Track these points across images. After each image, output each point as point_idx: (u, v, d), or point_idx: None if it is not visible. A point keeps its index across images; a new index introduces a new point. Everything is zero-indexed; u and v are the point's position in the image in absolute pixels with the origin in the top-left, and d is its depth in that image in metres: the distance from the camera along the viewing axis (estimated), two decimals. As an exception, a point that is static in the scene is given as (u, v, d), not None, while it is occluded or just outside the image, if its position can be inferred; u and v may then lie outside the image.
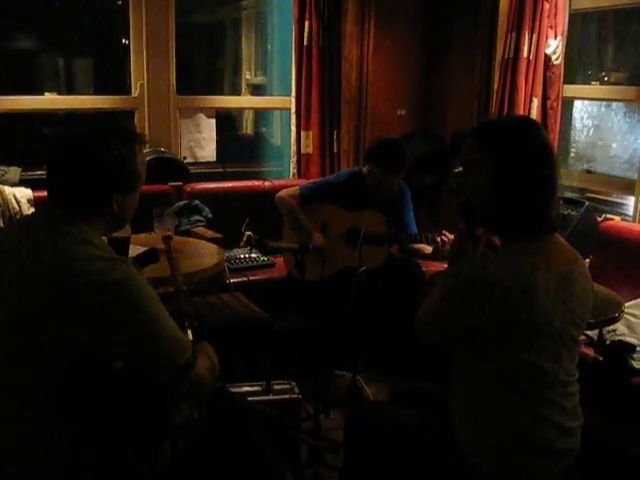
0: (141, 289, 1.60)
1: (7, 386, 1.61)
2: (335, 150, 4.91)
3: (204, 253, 3.14)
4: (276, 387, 2.85)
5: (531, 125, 1.82)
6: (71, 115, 4.78)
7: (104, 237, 1.81)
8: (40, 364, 1.56)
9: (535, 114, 4.17)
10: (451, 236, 3.30)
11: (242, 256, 4.07)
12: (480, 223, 1.90)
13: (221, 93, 5.88)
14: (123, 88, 4.67)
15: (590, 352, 2.98)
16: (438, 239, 3.36)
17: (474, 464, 1.78)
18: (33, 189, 3.94)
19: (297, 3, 4.66)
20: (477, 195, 1.79)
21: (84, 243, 1.60)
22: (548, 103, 4.16)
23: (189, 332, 1.95)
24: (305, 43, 4.71)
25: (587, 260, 3.35)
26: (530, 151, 1.72)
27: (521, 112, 4.20)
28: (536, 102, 4.18)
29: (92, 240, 1.62)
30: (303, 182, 4.08)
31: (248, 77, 6.36)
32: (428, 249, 3.57)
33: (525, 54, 4.17)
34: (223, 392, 1.89)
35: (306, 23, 4.67)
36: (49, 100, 4.47)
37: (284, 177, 5.04)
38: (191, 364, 1.67)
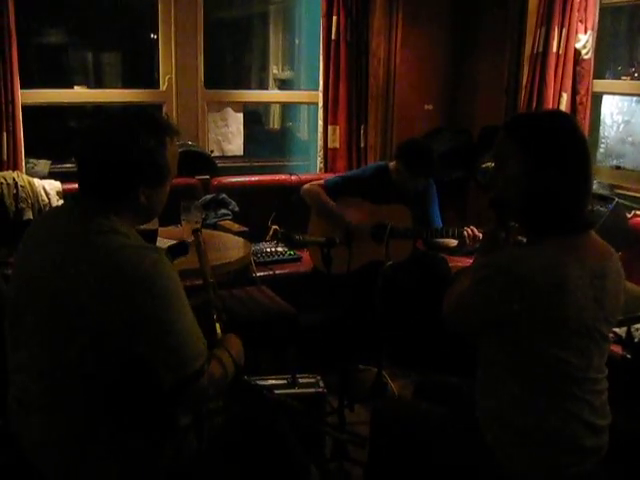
0: (169, 285, 1.59)
1: (40, 375, 1.63)
2: (362, 145, 4.91)
3: (230, 246, 3.16)
4: (301, 381, 2.85)
5: (567, 120, 1.80)
6: (99, 109, 4.83)
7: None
8: (71, 350, 1.57)
9: (564, 109, 4.10)
10: (477, 232, 3.28)
11: (268, 250, 4.09)
12: (512, 217, 1.88)
13: (248, 87, 5.91)
14: (151, 82, 4.71)
15: (618, 350, 2.94)
16: (465, 233, 3.35)
17: (500, 460, 1.78)
18: (62, 181, 4.00)
19: (325, -3, 4.67)
20: (510, 189, 1.77)
21: (113, 233, 1.61)
22: (577, 98, 4.12)
23: (217, 325, 1.96)
24: (333, 38, 4.71)
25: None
26: (565, 147, 1.70)
27: (550, 107, 4.15)
28: (565, 97, 4.13)
29: (121, 229, 1.63)
30: (329, 176, 4.08)
31: (275, 72, 6.38)
32: (453, 243, 3.56)
33: (554, 49, 4.13)
34: (248, 384, 1.87)
35: (334, 18, 4.67)
36: (78, 94, 4.53)
37: (311, 171, 5.05)
38: (200, 373, 1.63)
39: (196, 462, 1.79)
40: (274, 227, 4.10)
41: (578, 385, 1.73)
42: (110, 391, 1.63)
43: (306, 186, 3.80)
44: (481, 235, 3.20)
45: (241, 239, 3.30)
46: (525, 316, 1.67)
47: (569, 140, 1.72)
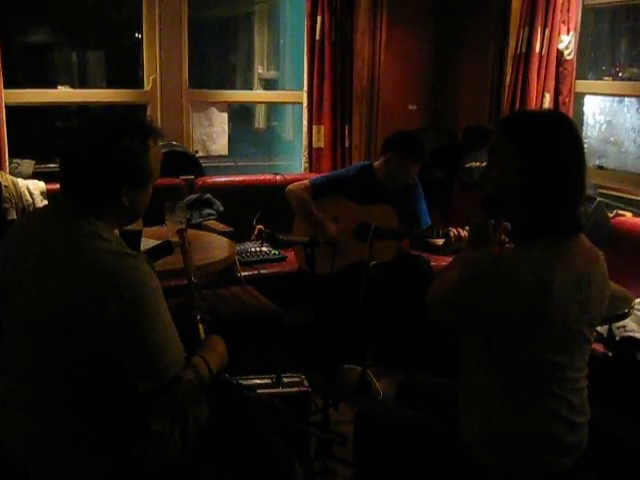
0: (148, 292, 1.59)
1: (18, 374, 1.64)
2: (347, 145, 4.93)
3: (215, 246, 3.17)
4: (286, 380, 2.85)
5: (565, 121, 1.78)
6: (84, 108, 4.82)
7: (116, 230, 1.81)
8: (51, 351, 1.58)
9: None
10: (462, 232, 3.29)
11: (253, 249, 4.10)
12: (504, 216, 1.88)
13: (234, 87, 5.91)
14: (136, 82, 4.71)
15: (600, 348, 2.98)
16: (450, 234, 3.35)
17: (479, 458, 1.79)
18: (46, 182, 3.98)
19: (310, -3, 4.68)
20: (503, 188, 1.76)
21: (94, 237, 1.61)
22: (560, 98, 4.17)
23: (200, 326, 1.97)
24: (317, 38, 4.72)
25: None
26: (563, 147, 1.69)
27: (533, 107, 4.20)
28: (548, 97, 4.18)
29: (102, 234, 1.63)
30: (314, 176, 4.09)
31: (260, 71, 6.39)
32: (439, 242, 3.58)
33: (537, 49, 4.18)
34: (229, 382, 1.87)
35: (318, 18, 4.68)
36: (62, 93, 4.52)
37: (295, 171, 5.06)
38: (175, 382, 1.62)
39: (181, 462, 1.79)
40: (259, 227, 4.08)
41: (558, 384, 1.74)
42: (91, 393, 1.63)
43: (290, 187, 3.79)
44: (466, 234, 3.21)
45: (225, 239, 3.31)
46: (508, 316, 1.68)
47: (567, 141, 1.71)
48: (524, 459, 1.76)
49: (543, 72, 4.19)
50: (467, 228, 3.25)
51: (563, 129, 1.73)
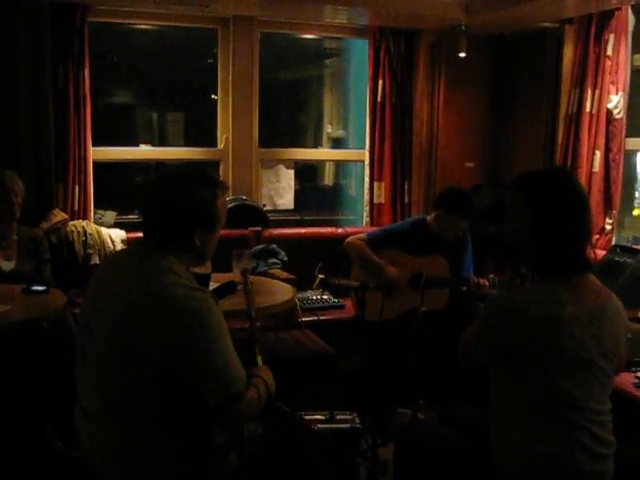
0: (213, 320, 1.86)
1: (101, 389, 1.89)
2: (406, 200, 5.19)
3: (277, 291, 3.40)
4: (339, 417, 3.04)
5: (565, 175, 2.06)
6: (161, 165, 5.21)
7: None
8: (129, 371, 1.84)
9: (597, 166, 4.33)
10: (482, 280, 3.48)
11: (314, 297, 4.34)
12: (522, 263, 2.11)
13: (304, 145, 6.24)
14: (211, 141, 5.05)
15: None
16: (470, 280, 3.54)
17: (504, 476, 1.95)
18: (126, 231, 4.36)
19: (371, 62, 5.02)
20: (519, 238, 2.01)
21: (169, 272, 1.89)
22: (610, 156, 4.30)
23: (259, 357, 2.21)
24: (379, 100, 5.04)
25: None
26: (564, 199, 1.94)
27: (584, 164, 4.39)
28: (599, 155, 4.33)
29: (176, 270, 1.91)
30: (373, 229, 4.31)
31: (329, 130, 6.69)
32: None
33: (588, 109, 4.36)
34: (280, 410, 2.10)
35: (380, 81, 5.02)
36: (143, 152, 4.95)
37: (357, 225, 5.32)
38: (240, 396, 1.87)
39: (235, 478, 2.01)
40: (320, 276, 4.34)
41: (579, 413, 1.90)
42: (161, 408, 1.87)
43: (349, 239, 4.01)
44: (486, 282, 3.44)
45: (287, 285, 3.54)
46: (525, 347, 1.88)
47: (569, 193, 1.96)
48: None
49: (593, 131, 4.35)
50: (490, 276, 3.46)
51: (567, 184, 1.98)
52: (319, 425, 2.93)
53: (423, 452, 2.21)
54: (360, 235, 4.01)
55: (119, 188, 5.68)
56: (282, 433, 2.20)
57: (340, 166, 6.32)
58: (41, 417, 3.17)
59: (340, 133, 6.69)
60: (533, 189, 1.98)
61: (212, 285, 3.04)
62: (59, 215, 4.26)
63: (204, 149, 5.03)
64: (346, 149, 5.85)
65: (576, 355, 1.88)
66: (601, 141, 4.34)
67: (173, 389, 1.87)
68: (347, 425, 2.99)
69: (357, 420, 3.02)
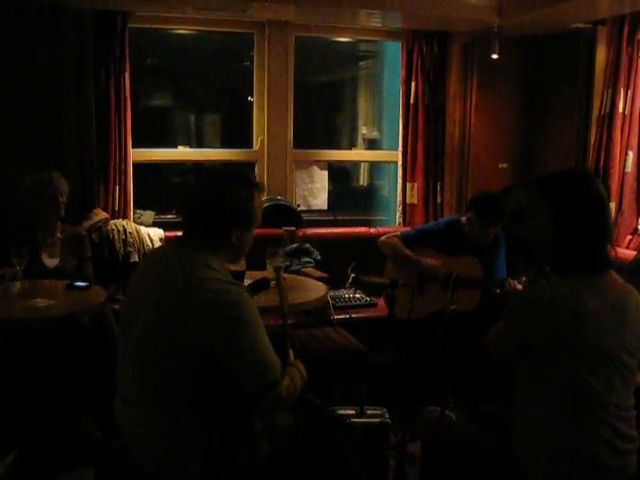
0: (249, 312, 1.96)
1: (140, 377, 1.99)
2: (438, 201, 5.24)
3: (310, 288, 3.48)
4: (369, 412, 3.11)
5: (585, 177, 2.10)
6: (199, 166, 5.34)
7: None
8: (168, 361, 1.93)
9: (630, 167, 4.35)
10: (517, 284, 3.50)
11: (347, 296, 4.43)
12: (544, 262, 2.16)
13: (339, 146, 6.33)
14: (247, 142, 5.16)
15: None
16: (506, 284, 3.54)
17: (532, 474, 2.00)
18: (164, 229, 4.49)
19: (404, 65, 5.09)
20: (540, 238, 2.06)
21: (207, 267, 1.99)
22: (643, 156, 4.32)
23: (291, 352, 2.29)
24: (412, 102, 5.11)
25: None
26: (583, 200, 2.00)
27: (617, 165, 4.41)
28: (631, 155, 4.35)
29: (213, 265, 2.01)
30: (406, 229, 4.37)
31: (364, 132, 6.76)
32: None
33: (620, 109, 4.38)
34: (311, 402, 2.18)
35: (412, 84, 5.08)
36: (181, 153, 5.06)
37: (390, 225, 5.39)
38: (277, 383, 1.97)
39: (266, 466, 2.09)
40: (353, 275, 4.41)
41: (601, 408, 1.94)
42: (200, 396, 1.97)
43: (383, 237, 4.08)
44: (519, 286, 3.43)
45: (320, 283, 3.62)
46: (548, 341, 1.93)
47: (587, 193, 2.01)
48: (568, 476, 1.96)
49: (626, 131, 4.37)
50: (523, 279, 3.47)
51: (584, 183, 2.03)
52: (350, 419, 3.01)
53: (448, 449, 2.27)
54: (394, 234, 4.07)
55: (158, 188, 5.84)
56: (313, 424, 2.29)
57: (375, 167, 6.38)
58: (81, 408, 3.30)
59: (375, 134, 6.75)
60: (553, 190, 2.03)
61: (246, 282, 3.14)
62: (100, 214, 4.42)
63: (240, 150, 5.14)
64: (380, 150, 5.92)
65: (599, 349, 1.93)
66: (634, 141, 4.36)
67: (210, 378, 1.96)
68: (377, 420, 3.06)
69: (387, 415, 3.09)
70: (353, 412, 3.09)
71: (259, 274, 3.54)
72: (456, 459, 2.22)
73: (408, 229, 4.33)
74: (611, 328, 1.94)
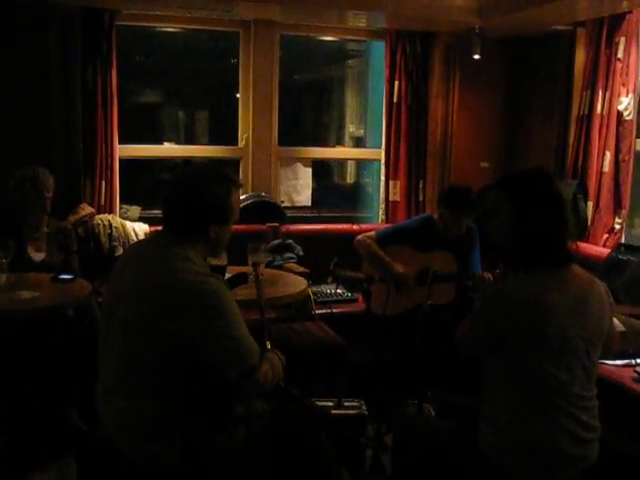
0: (226, 301, 2.03)
1: (119, 365, 2.07)
2: (420, 199, 5.34)
3: (290, 283, 3.55)
4: (347, 404, 3.20)
5: (544, 176, 2.18)
6: (188, 162, 5.40)
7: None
8: (148, 350, 2.00)
9: (608, 166, 4.43)
10: (487, 274, 3.60)
11: (328, 291, 4.51)
12: (507, 258, 2.25)
13: (327, 144, 6.41)
14: (234, 139, 5.21)
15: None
16: (477, 274, 3.69)
17: (495, 464, 2.08)
18: (150, 225, 4.57)
19: (388, 64, 5.17)
20: (503, 235, 2.15)
21: (185, 260, 2.06)
22: (620, 156, 4.39)
23: (268, 343, 2.37)
24: (395, 100, 5.19)
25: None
26: (542, 197, 2.09)
27: (595, 164, 4.51)
28: (609, 155, 4.43)
29: (192, 258, 2.08)
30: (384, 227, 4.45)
31: (352, 130, 6.84)
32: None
33: (599, 110, 4.47)
34: (285, 390, 2.26)
35: (396, 82, 5.16)
36: (167, 149, 5.14)
37: (372, 222, 5.47)
38: (256, 368, 2.05)
39: (242, 451, 2.16)
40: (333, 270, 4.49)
41: (562, 397, 2.03)
42: (180, 383, 2.03)
43: (359, 237, 4.14)
44: (490, 277, 3.53)
45: (300, 277, 3.69)
46: (514, 333, 2.02)
47: (546, 191, 2.10)
48: (530, 465, 2.04)
49: (604, 132, 4.45)
50: (496, 271, 3.57)
51: (544, 182, 2.13)
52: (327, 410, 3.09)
53: (418, 441, 2.35)
54: (369, 233, 4.13)
55: (146, 184, 5.91)
56: (289, 411, 2.35)
57: (361, 165, 6.47)
58: (64, 400, 3.37)
59: (361, 132, 6.83)
60: (513, 188, 2.14)
61: (227, 277, 3.21)
62: (86, 209, 4.49)
63: (225, 147, 5.20)
64: (364, 148, 5.99)
65: (560, 341, 2.01)
66: (611, 142, 4.43)
67: (188, 365, 2.03)
68: (354, 411, 3.14)
69: (364, 407, 3.17)
70: (331, 404, 3.17)
71: (242, 269, 3.63)
72: (425, 451, 2.29)
73: (385, 227, 4.40)
74: (572, 320, 2.02)
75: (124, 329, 2.05)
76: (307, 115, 6.86)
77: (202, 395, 2.08)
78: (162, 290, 2.00)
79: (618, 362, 3.10)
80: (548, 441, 2.03)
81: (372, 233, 4.12)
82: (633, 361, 3.12)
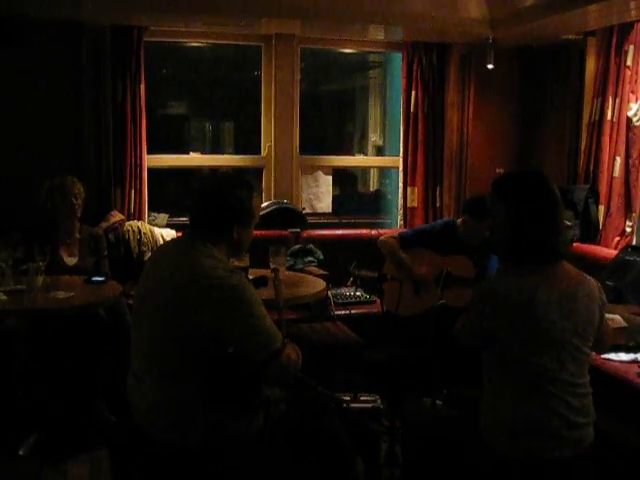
0: (250, 293, 2.20)
1: (149, 351, 2.24)
2: (437, 204, 5.49)
3: (309, 284, 3.73)
4: (363, 398, 3.34)
5: (536, 176, 2.31)
6: (213, 171, 5.58)
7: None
8: (176, 341, 2.16)
9: (618, 171, 4.53)
10: None
11: (347, 293, 4.68)
12: (501, 256, 2.40)
13: (351, 152, 6.56)
14: (258, 148, 5.40)
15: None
16: None
17: (495, 448, 2.22)
18: (177, 231, 4.77)
19: (405, 75, 5.35)
20: (499, 233, 2.30)
21: (210, 257, 2.24)
22: (630, 161, 4.48)
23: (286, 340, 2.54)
24: (412, 110, 5.36)
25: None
26: (533, 196, 2.22)
27: (605, 169, 4.62)
28: (619, 160, 4.53)
29: (216, 256, 2.26)
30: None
31: (374, 139, 7.01)
32: None
33: (609, 117, 4.58)
34: (303, 379, 2.42)
35: (413, 92, 5.34)
36: (193, 158, 5.36)
37: (391, 227, 5.62)
38: (280, 352, 2.21)
39: (260, 438, 2.31)
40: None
41: (553, 384, 2.16)
42: (203, 369, 2.19)
43: (382, 238, 4.30)
44: None
45: (318, 279, 3.85)
46: (506, 327, 2.16)
47: (536, 190, 2.23)
48: (524, 446, 2.17)
49: (614, 137, 4.56)
50: None
51: (535, 182, 2.26)
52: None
53: (424, 428, 2.51)
54: (393, 234, 4.30)
55: (173, 193, 6.14)
56: (305, 399, 2.52)
57: (383, 172, 6.62)
58: (94, 392, 3.57)
59: (381, 141, 6.98)
60: (506, 189, 2.27)
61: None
62: (117, 216, 4.71)
63: (249, 156, 5.41)
64: (378, 157, 6.14)
65: (549, 335, 2.14)
66: (621, 147, 4.52)
67: (212, 353, 2.19)
68: (369, 405, 3.28)
69: (379, 402, 3.30)
70: (347, 398, 3.31)
71: (262, 272, 3.81)
72: (431, 437, 2.45)
73: (407, 229, 4.55)
74: (560, 315, 2.15)
75: (154, 318, 2.22)
76: (331, 124, 7.03)
77: (223, 383, 2.23)
78: (190, 284, 2.16)
79: (624, 358, 3.15)
80: (543, 425, 2.16)
81: (396, 234, 4.27)
82: (639, 357, 3.20)
